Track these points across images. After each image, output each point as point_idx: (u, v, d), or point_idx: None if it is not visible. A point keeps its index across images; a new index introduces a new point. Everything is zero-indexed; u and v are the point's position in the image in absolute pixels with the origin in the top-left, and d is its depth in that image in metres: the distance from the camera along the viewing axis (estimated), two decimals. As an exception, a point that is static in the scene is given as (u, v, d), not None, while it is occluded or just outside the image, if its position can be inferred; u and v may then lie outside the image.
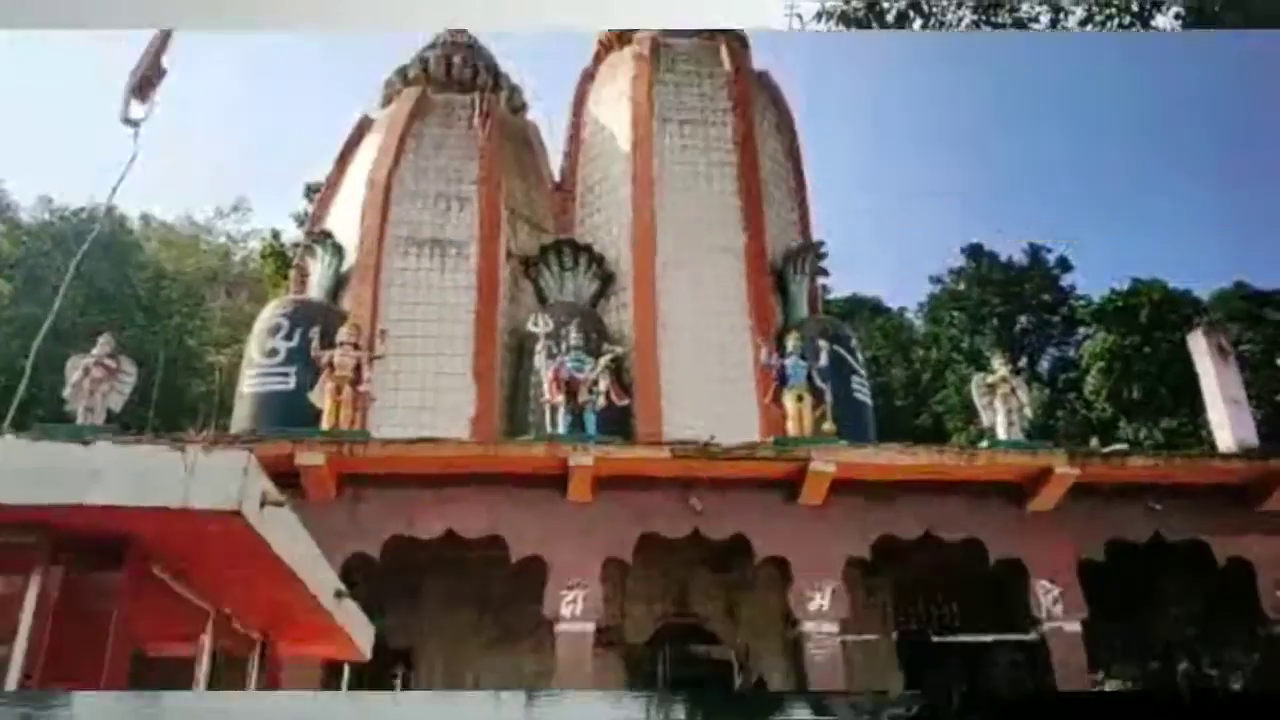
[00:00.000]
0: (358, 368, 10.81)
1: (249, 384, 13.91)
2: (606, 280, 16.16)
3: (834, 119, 70.31)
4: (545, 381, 11.48)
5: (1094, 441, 21.97)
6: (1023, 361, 32.48)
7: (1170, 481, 10.98)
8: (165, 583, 3.50)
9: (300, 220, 27.74)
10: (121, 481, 2.55)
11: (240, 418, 13.63)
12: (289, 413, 12.38)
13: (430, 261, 15.50)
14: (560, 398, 11.19)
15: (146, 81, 6.32)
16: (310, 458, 9.64)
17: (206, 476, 2.59)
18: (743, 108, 17.15)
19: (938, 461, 10.89)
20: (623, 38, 19.22)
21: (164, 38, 6.47)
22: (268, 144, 70.76)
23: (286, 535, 3.26)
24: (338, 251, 15.50)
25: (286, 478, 9.32)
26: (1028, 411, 11.47)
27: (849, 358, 14.83)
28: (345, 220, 16.29)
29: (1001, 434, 11.29)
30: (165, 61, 6.52)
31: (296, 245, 21.60)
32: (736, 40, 19.25)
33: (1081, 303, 32.79)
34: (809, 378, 11.61)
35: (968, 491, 10.89)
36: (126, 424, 11.32)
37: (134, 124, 6.28)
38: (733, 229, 16.06)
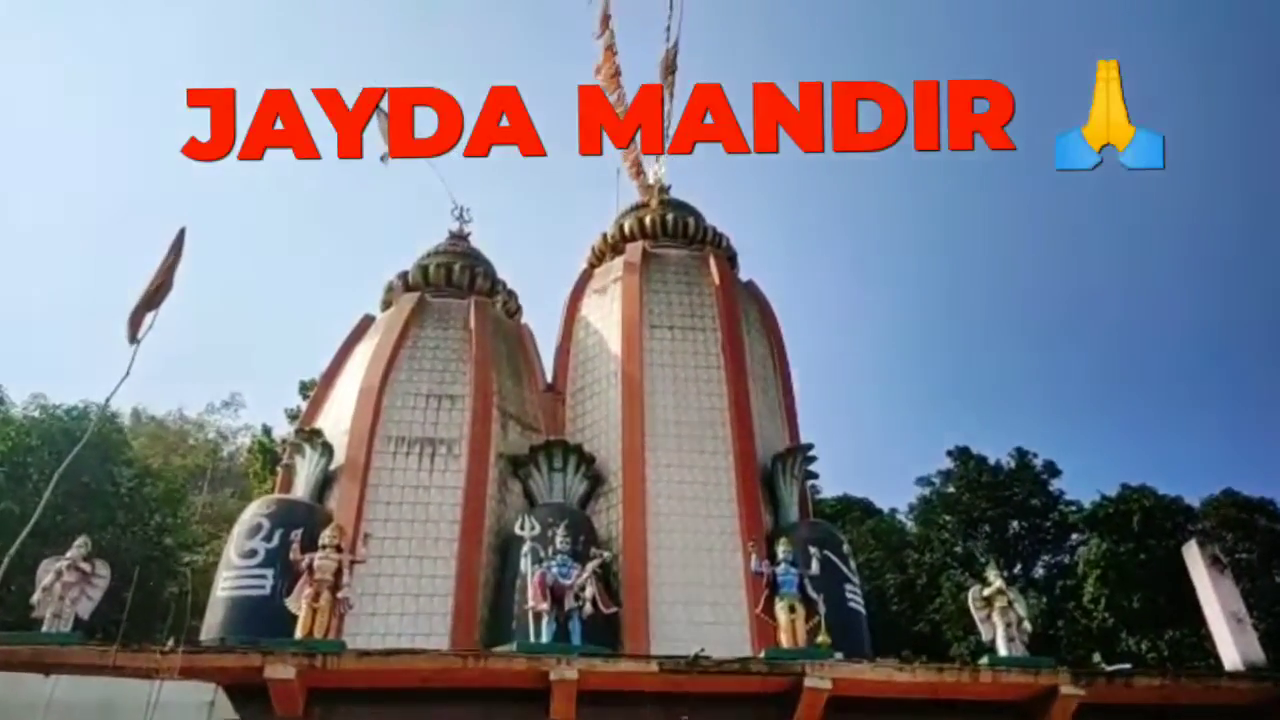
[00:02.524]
0: (338, 572, 10.54)
1: (224, 586, 13.48)
2: (596, 481, 16.10)
3: (816, 322, 72.55)
4: (530, 587, 11.20)
5: (1096, 656, 21.28)
6: (1018, 568, 31.99)
7: (1179, 703, 10.54)
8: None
9: (293, 416, 27.90)
10: (80, 716, 2.41)
11: (212, 623, 13.10)
12: (263, 619, 11.90)
13: (419, 461, 15.46)
14: (545, 605, 10.88)
15: (155, 300, 6.54)
16: (280, 671, 9.19)
17: (168, 712, 2.45)
18: (730, 315, 17.70)
19: (938, 679, 10.47)
20: (615, 247, 20.10)
21: (177, 253, 6.75)
22: (266, 339, 72.22)
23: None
24: (327, 450, 15.46)
25: (255, 690, 8.87)
26: (1027, 625, 11.14)
27: (841, 565, 14.55)
28: (337, 418, 16.37)
29: (1002, 649, 10.92)
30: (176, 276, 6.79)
31: (285, 441, 21.59)
32: (724, 251, 20.17)
33: (1072, 508, 32.70)
34: (801, 586, 11.35)
35: (970, 711, 10.42)
36: (94, 630, 10.84)
37: (138, 342, 6.44)
38: (721, 433, 16.18)
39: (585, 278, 19.87)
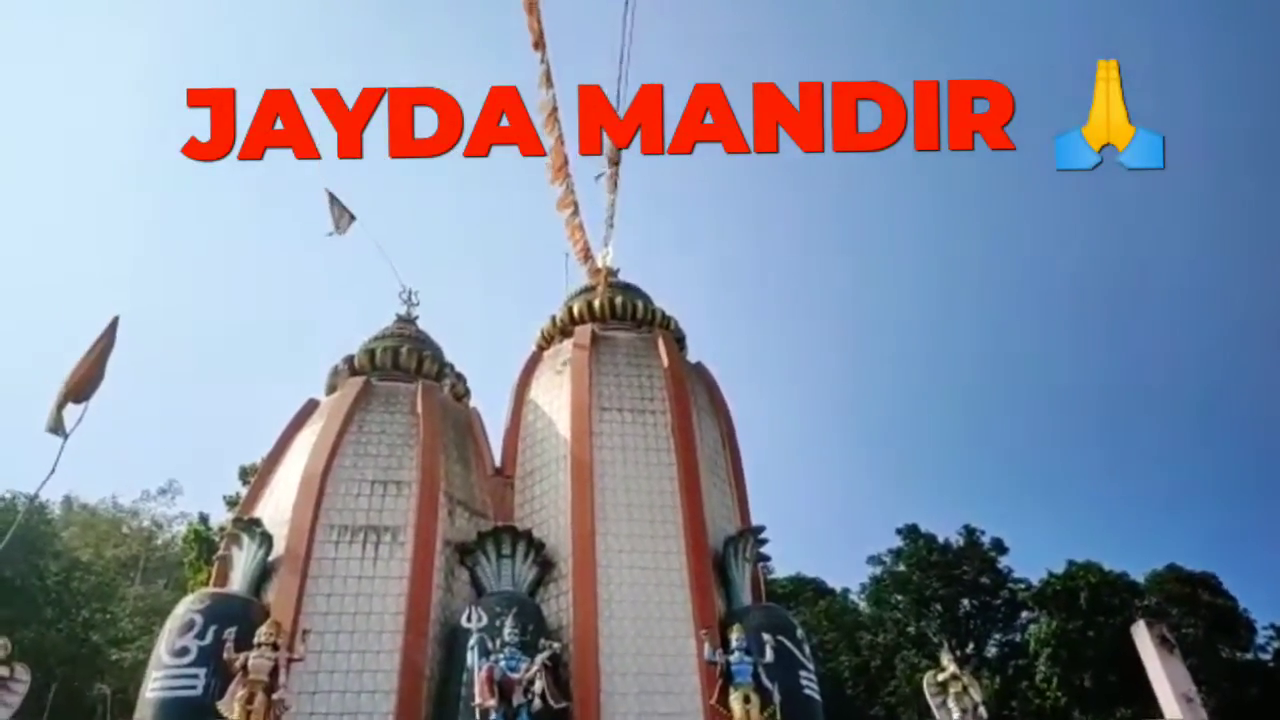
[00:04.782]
0: (274, 671, 10.11)
1: (153, 686, 12.77)
2: (545, 567, 15.77)
3: (764, 402, 73.06)
4: (477, 683, 10.87)
5: (1052, 736, 21.13)
6: (970, 647, 31.95)
7: (1136, 786, 10.46)
8: None
9: (232, 503, 27.10)
10: None
11: (139, 728, 12.41)
12: (194, 721, 11.32)
13: (362, 550, 15.01)
14: (492, 701, 10.58)
15: (83, 389, 6.32)
16: (211, 779, 8.70)
17: None
18: (679, 397, 17.69)
19: (894, 768, 10.26)
20: (565, 329, 20.12)
21: (109, 342, 6.55)
22: (207, 422, 70.52)
23: None
24: (265, 540, 14.94)
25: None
26: (983, 711, 11.07)
27: (796, 650, 14.31)
28: (277, 506, 15.88)
29: (958, 735, 10.78)
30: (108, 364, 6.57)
31: (223, 530, 20.91)
32: (673, 333, 20.29)
33: (1021, 586, 32.98)
34: (755, 675, 11.17)
35: (928, 802, 10.20)
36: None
37: (64, 435, 6.20)
38: (672, 516, 16.00)
39: (534, 360, 19.80)
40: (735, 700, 10.84)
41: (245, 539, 15.06)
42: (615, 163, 18.54)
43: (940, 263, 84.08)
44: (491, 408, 19.81)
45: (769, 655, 11.48)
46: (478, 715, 10.51)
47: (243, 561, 14.91)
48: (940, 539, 34.69)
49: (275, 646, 10.29)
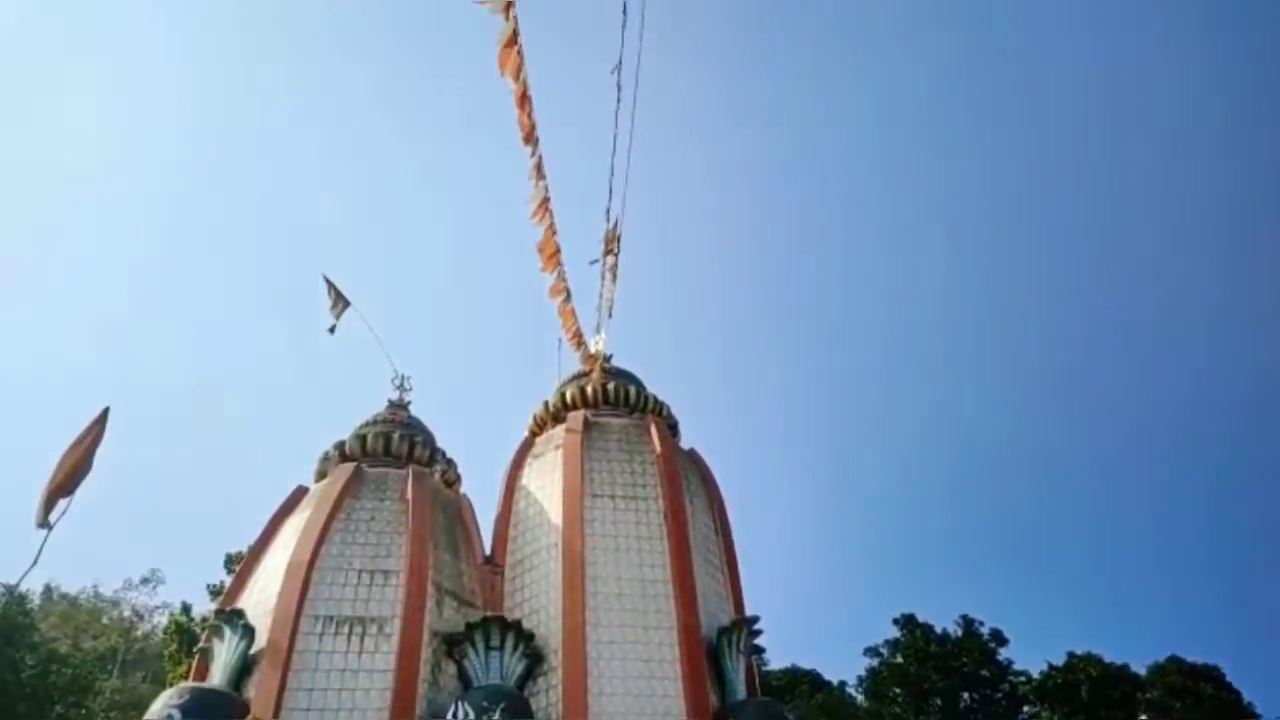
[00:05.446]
0: (253, 769, 9.74)
1: (126, 786, 12.37)
2: (535, 660, 15.41)
3: (757, 490, 72.57)
4: (463, 781, 10.47)
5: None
6: (972, 743, 31.10)
7: None
8: None
9: (215, 592, 26.58)
10: None
11: (109, 830, 11.93)
12: (167, 824, 10.89)
13: (348, 642, 14.66)
14: (478, 800, 10.14)
15: (71, 481, 6.25)
16: None
17: None
18: (672, 484, 17.59)
19: None
20: (557, 415, 20.10)
21: (98, 433, 6.50)
22: (193, 510, 69.68)
23: None
24: (248, 632, 14.59)
25: None
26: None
27: (791, 747, 13.94)
28: (262, 596, 15.57)
29: (960, 837, 10.40)
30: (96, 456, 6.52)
31: (205, 621, 20.45)
32: (666, 419, 20.28)
33: (1021, 679, 32.32)
34: (750, 773, 10.78)
35: None
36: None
37: (49, 527, 6.12)
38: (665, 606, 15.74)
39: (526, 446, 19.73)
40: (729, 799, 10.46)
41: (227, 630, 14.72)
42: (610, 250, 18.80)
43: (940, 349, 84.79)
44: (483, 494, 19.66)
45: (764, 752, 11.12)
46: (463, 817, 10.12)
47: (224, 654, 14.54)
48: (938, 629, 34.12)
49: (254, 744, 9.94)
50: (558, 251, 17.91)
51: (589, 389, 20.17)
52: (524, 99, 13.40)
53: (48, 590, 38.39)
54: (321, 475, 18.60)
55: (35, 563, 5.47)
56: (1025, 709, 31.08)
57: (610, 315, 20.24)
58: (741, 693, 15.41)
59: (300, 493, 18.21)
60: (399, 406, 20.70)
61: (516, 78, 13.11)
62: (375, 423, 19.67)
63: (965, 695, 32.20)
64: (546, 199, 16.23)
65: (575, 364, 21.59)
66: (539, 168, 15.38)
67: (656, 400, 20.73)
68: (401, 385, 21.21)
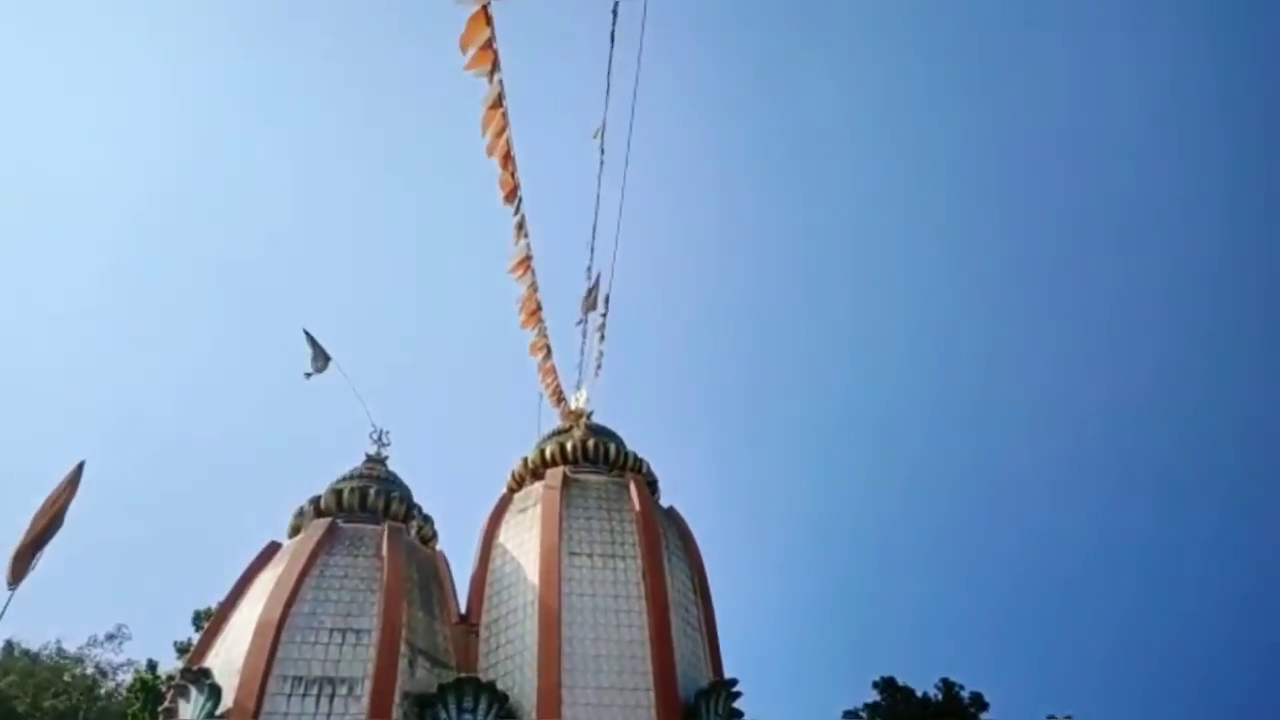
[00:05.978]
0: (214, 838, 9.41)
1: None
2: (509, 722, 15.09)
3: (739, 550, 72.17)
4: None
5: None
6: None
7: None
8: None
9: (182, 649, 25.97)
10: None
11: None
12: None
13: (316, 704, 14.32)
14: None
15: (43, 538, 6.14)
16: None
17: None
18: (651, 542, 17.45)
19: None
20: (535, 471, 19.97)
21: (73, 488, 6.40)
22: (162, 565, 68.30)
23: None
24: (214, 692, 14.23)
25: None
26: None
27: (770, 815, 13.65)
28: (230, 655, 15.22)
29: None
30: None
31: (170, 679, 19.94)
32: (645, 476, 20.19)
33: (1003, 744, 31.88)
34: (727, 843, 10.53)
35: None
36: None
37: (16, 586, 5.99)
38: (642, 668, 15.50)
39: (504, 503, 19.56)
40: None
41: (193, 691, 14.38)
42: (591, 308, 18.88)
43: (919, 406, 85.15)
44: (459, 551, 19.40)
45: (742, 820, 10.87)
46: None
47: (190, 714, 14.20)
48: (919, 693, 33.73)
49: (216, 811, 9.63)
50: (539, 309, 17.98)
51: (569, 445, 20.08)
52: (507, 159, 13.56)
53: (9, 646, 37.36)
54: (295, 531, 18.33)
55: (5, 608, 5.33)
56: (1007, 775, 30.71)
57: (598, 373, 20.25)
58: (720, 757, 15.13)
59: (273, 549, 17.91)
60: (376, 461, 20.51)
61: (500, 135, 13.27)
62: (352, 477, 19.45)
63: (947, 761, 31.80)
64: (528, 257, 16.33)
65: (555, 420, 21.56)
66: (521, 225, 15.50)
67: (636, 457, 20.65)
68: (379, 439, 21.06)
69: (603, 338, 19.18)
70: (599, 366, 19.96)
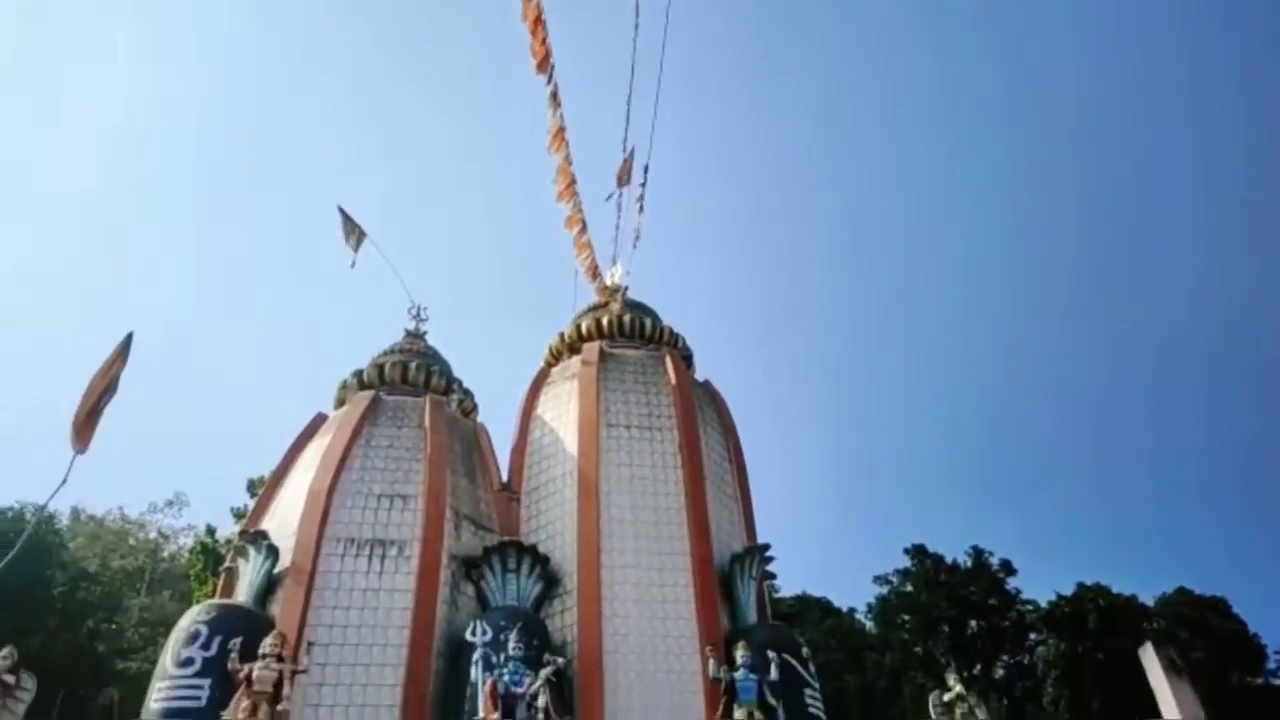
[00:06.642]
0: (278, 683, 10.10)
1: (158, 697, 12.79)
2: (551, 583, 15.75)
3: (771, 420, 73.01)
4: (481, 696, 10.82)
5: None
6: (977, 668, 31.69)
7: (1143, 810, 10.38)
8: None
9: (239, 515, 27.13)
10: None
11: (142, 738, 12.41)
12: (198, 733, 11.33)
13: (369, 563, 15.02)
14: (496, 714, 10.54)
15: (99, 405, 6.36)
16: (214, 790, 8.70)
17: None
18: (687, 415, 17.70)
19: (899, 789, 10.18)
20: (573, 347, 20.18)
21: (123, 358, 6.59)
22: (216, 436, 70.78)
23: None
24: (272, 553, 14.97)
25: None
26: (988, 732, 10.98)
27: (800, 669, 14.26)
28: (284, 519, 15.91)
29: (963, 756, 10.71)
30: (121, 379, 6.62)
31: (229, 542, 20.94)
32: (681, 351, 20.33)
33: (1029, 608, 32.73)
34: (760, 693, 11.10)
35: (933, 823, 10.13)
36: (16, 746, 10.24)
37: (79, 450, 6.25)
38: (678, 534, 16.00)
39: (542, 377, 19.85)
40: (740, 717, 10.77)
41: (251, 551, 15.10)
42: (626, 181, 18.62)
43: (954, 280, 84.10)
44: (498, 423, 19.90)
45: (774, 673, 11.40)
46: (482, 730, 10.47)
47: (249, 573, 14.95)
48: (948, 560, 34.48)
49: (280, 658, 10.28)
50: (573, 182, 17.80)
51: (605, 321, 20.20)
52: (537, 24, 13.16)
53: (75, 512, 39.27)
54: (340, 403, 18.83)
55: (64, 481, 5.64)
56: (1032, 636, 31.63)
57: (636, 245, 20.05)
58: (753, 617, 15.73)
59: (319, 420, 18.46)
60: (415, 336, 20.85)
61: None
62: (392, 352, 19.83)
63: (972, 623, 32.72)
64: (562, 128, 16.07)
65: (591, 296, 21.62)
66: (555, 96, 15.18)
67: (672, 332, 20.76)
68: (418, 315, 21.34)
69: (641, 209, 18.95)
70: (637, 238, 19.79)
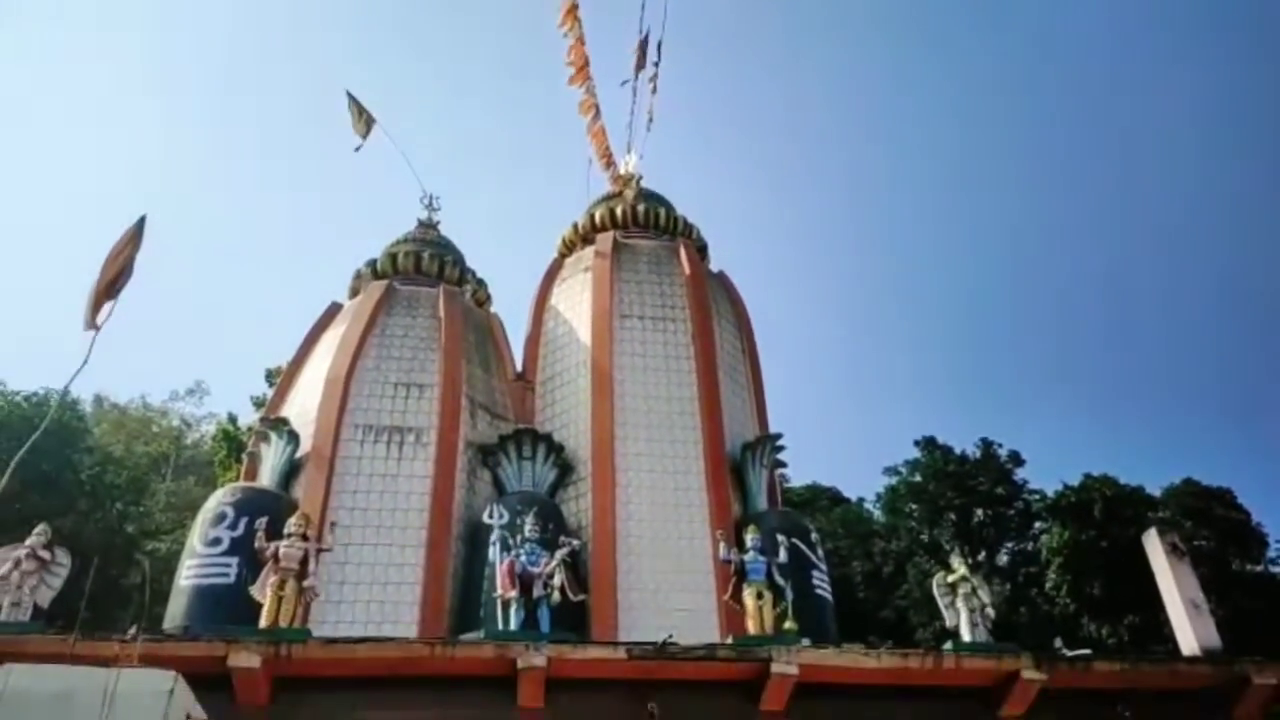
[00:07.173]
0: (304, 560, 10.42)
1: (187, 575, 13.31)
2: (565, 470, 16.08)
3: (785, 313, 72.95)
4: (499, 575, 11.14)
5: (1058, 641, 21.59)
6: (981, 554, 32.42)
7: (1138, 687, 10.74)
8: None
9: (259, 404, 27.58)
10: (36, 708, 2.37)
11: (175, 612, 12.94)
12: (228, 607, 11.80)
13: (387, 449, 15.35)
14: (513, 592, 10.83)
15: (114, 288, 6.37)
16: (244, 659, 9.10)
17: (127, 701, 2.41)
18: (700, 306, 17.70)
19: (902, 665, 10.56)
20: (586, 237, 20.04)
21: (136, 241, 6.58)
22: (232, 326, 71.35)
23: (210, 760, 3.03)
24: (293, 438, 15.29)
25: (219, 680, 8.78)
26: (990, 611, 11.28)
27: (809, 552, 14.65)
28: (303, 406, 16.20)
29: (965, 634, 11.05)
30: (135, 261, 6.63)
31: (251, 429, 21.37)
32: (695, 241, 20.17)
33: (1035, 497, 33.21)
34: (769, 574, 11.39)
35: (935, 696, 10.53)
36: (54, 618, 10.68)
37: (97, 329, 6.29)
38: (691, 422, 16.21)
39: (555, 267, 19.80)
40: (748, 597, 11.08)
41: (273, 436, 15.43)
42: (641, 65, 18.09)
43: (961, 170, 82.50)
44: (512, 314, 19.96)
45: (783, 555, 11.66)
46: (499, 606, 10.82)
47: (271, 458, 15.31)
48: (957, 451, 34.85)
49: (305, 537, 10.58)
50: (587, 64, 17.31)
51: (619, 210, 19.99)
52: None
53: (98, 400, 40.03)
54: (355, 293, 18.89)
55: (85, 362, 5.72)
56: (1037, 525, 32.20)
57: (649, 127, 19.57)
58: (763, 504, 16.07)
59: (334, 309, 18.57)
60: (428, 225, 20.73)
61: None
62: (405, 241, 19.76)
63: (979, 512, 33.29)
64: (574, 6, 15.54)
65: (605, 185, 21.34)
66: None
67: (686, 223, 20.56)
68: (430, 204, 21.18)
69: (655, 89, 18.42)
70: (650, 121, 19.34)
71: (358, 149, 20.93)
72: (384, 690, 9.67)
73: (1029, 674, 10.30)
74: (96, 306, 6.37)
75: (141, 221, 6.78)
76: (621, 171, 20.97)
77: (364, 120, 20.95)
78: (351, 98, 21.12)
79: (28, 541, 10.21)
